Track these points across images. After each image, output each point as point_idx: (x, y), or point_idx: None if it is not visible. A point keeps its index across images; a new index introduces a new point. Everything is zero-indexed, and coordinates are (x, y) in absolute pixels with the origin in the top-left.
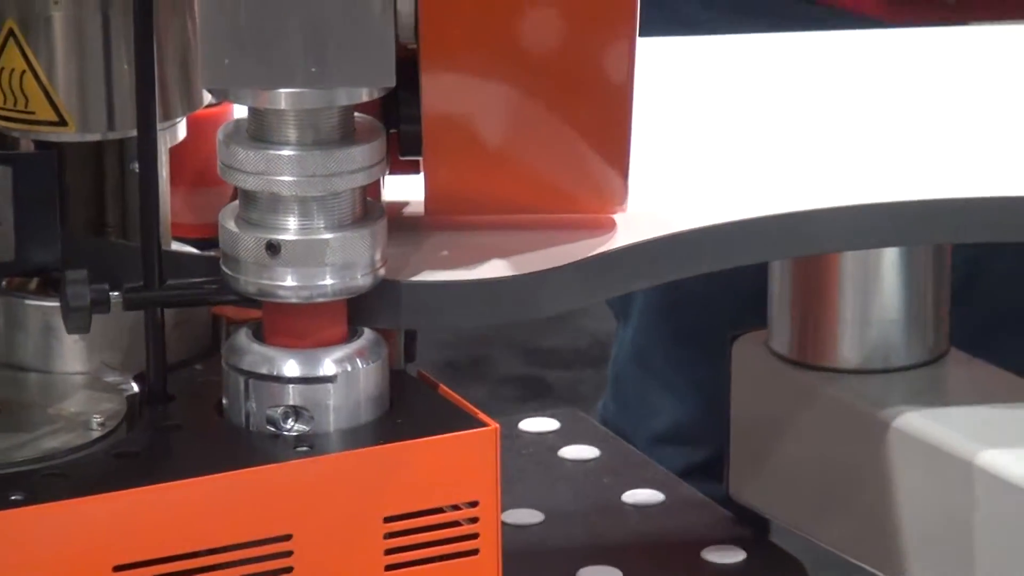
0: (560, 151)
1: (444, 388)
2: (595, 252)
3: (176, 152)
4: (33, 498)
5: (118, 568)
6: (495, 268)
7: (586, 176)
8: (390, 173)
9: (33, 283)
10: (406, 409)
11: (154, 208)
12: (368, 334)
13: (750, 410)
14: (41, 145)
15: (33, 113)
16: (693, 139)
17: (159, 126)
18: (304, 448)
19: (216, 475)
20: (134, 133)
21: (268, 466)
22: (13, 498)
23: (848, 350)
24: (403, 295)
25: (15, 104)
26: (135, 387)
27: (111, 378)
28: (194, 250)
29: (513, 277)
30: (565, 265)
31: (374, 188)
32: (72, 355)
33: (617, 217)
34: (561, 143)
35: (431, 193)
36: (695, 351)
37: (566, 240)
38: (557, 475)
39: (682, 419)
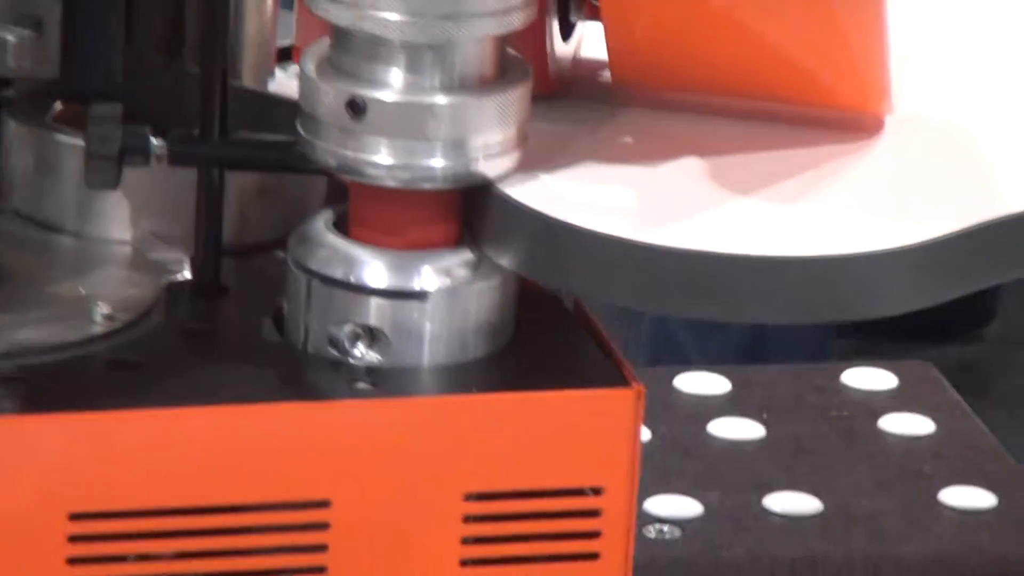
0: (794, 9)
1: (597, 325)
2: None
3: None
4: None
5: (75, 517)
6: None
7: (829, 47)
8: (588, 19)
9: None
10: (530, 349)
11: (221, 21)
12: None
13: None
14: None
15: None
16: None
17: None
18: (364, 384)
19: (221, 407)
20: None
21: (300, 403)
22: None
23: None
24: (538, 225)
25: None
26: (187, 272)
27: (158, 255)
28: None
29: (740, 258)
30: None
31: (535, 39)
32: (111, 218)
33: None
34: None
35: (614, 50)
36: None
37: (817, 142)
38: (865, 452)
39: None
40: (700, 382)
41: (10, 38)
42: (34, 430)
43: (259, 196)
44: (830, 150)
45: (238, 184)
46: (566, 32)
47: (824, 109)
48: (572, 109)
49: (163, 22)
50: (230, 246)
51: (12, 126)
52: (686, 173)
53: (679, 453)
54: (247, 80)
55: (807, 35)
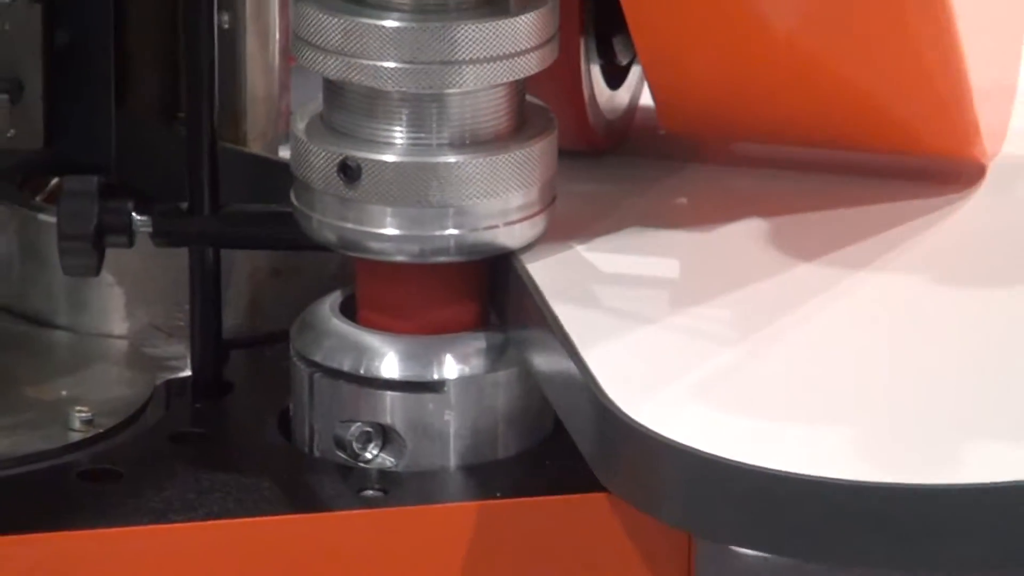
0: (863, 41)
1: None
2: None
3: None
4: None
5: None
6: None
7: (904, 77)
8: None
9: None
10: (571, 443)
11: (204, 82)
12: None
13: None
14: None
15: None
16: None
17: None
18: (373, 492)
19: (207, 523)
20: None
21: (297, 516)
22: None
23: None
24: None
25: None
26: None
27: (156, 350)
28: None
29: None
30: None
31: (569, 86)
32: (104, 309)
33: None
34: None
35: (658, 95)
36: None
37: (908, 196)
38: None
39: None
40: None
41: None
42: None
43: (273, 277)
44: (925, 206)
45: (250, 264)
46: (616, 77)
47: (912, 156)
48: (623, 167)
49: (157, 83)
50: (241, 336)
51: None
52: (751, 256)
53: None
54: (254, 146)
55: (882, 68)
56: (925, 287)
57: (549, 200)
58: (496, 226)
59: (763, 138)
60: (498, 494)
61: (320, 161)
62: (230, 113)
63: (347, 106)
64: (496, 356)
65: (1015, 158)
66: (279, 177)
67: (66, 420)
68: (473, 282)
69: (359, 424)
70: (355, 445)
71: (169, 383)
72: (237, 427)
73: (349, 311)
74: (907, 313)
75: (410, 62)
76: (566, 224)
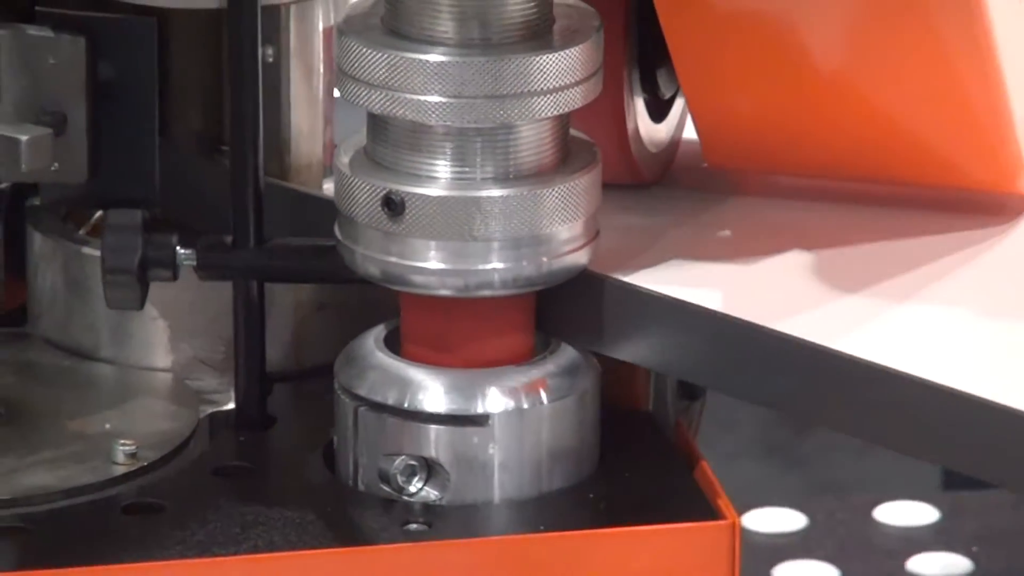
0: (905, 75)
1: (696, 448)
2: None
3: None
4: None
5: None
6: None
7: (949, 115)
8: None
9: None
10: (615, 479)
11: (249, 115)
12: (567, 351)
13: None
14: (137, 11)
15: None
16: None
17: None
18: (416, 525)
19: (251, 556)
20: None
21: (340, 550)
22: None
23: None
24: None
25: None
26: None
27: (200, 383)
28: None
29: None
30: None
31: (612, 120)
32: (149, 342)
33: None
34: (907, 64)
35: (702, 130)
36: None
37: (950, 229)
38: None
39: None
40: (903, 512)
41: (23, 138)
42: None
43: (318, 311)
44: (969, 238)
45: (294, 298)
46: (659, 110)
47: (954, 190)
48: (665, 199)
49: (201, 117)
50: (285, 370)
51: (38, 239)
52: (793, 277)
53: None
54: (298, 180)
55: (924, 102)
56: (971, 320)
57: (593, 234)
58: (541, 260)
59: (806, 171)
60: (542, 527)
61: (364, 195)
62: (274, 147)
63: (391, 140)
64: (541, 389)
65: None
66: (323, 211)
67: (110, 453)
68: (518, 315)
69: (403, 457)
70: (399, 478)
71: (213, 416)
72: (281, 461)
73: (393, 344)
74: (954, 345)
75: (454, 96)
76: (610, 257)
